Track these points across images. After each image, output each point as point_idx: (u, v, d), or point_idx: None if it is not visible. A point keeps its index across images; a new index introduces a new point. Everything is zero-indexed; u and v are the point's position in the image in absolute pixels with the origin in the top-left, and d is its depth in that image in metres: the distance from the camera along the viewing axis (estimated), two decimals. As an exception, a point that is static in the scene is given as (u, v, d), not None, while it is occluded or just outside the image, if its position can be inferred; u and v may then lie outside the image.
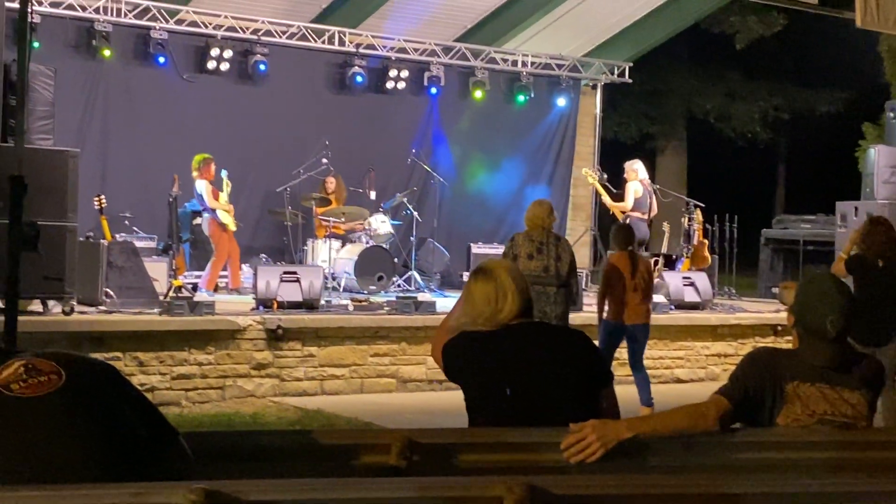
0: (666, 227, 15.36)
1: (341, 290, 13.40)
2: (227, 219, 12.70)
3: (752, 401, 3.54)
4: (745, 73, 23.96)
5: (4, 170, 8.32)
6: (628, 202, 13.50)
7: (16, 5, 11.02)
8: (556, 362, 3.74)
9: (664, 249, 14.71)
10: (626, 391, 9.10)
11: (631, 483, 2.93)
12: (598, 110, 17.51)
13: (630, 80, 17.27)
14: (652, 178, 23.74)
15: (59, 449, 2.54)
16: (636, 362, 9.33)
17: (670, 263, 14.41)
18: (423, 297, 11.24)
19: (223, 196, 12.89)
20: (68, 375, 2.63)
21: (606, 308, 9.09)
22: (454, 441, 3.34)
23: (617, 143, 22.08)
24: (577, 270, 8.76)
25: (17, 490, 2.44)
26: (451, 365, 3.89)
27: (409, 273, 14.32)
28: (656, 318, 10.52)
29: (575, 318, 9.45)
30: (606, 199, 13.94)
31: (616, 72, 17.08)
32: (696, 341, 12.36)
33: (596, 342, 8.76)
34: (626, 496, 2.83)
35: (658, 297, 12.06)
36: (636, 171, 13.76)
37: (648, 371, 9.67)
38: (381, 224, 14.08)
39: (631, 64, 17.07)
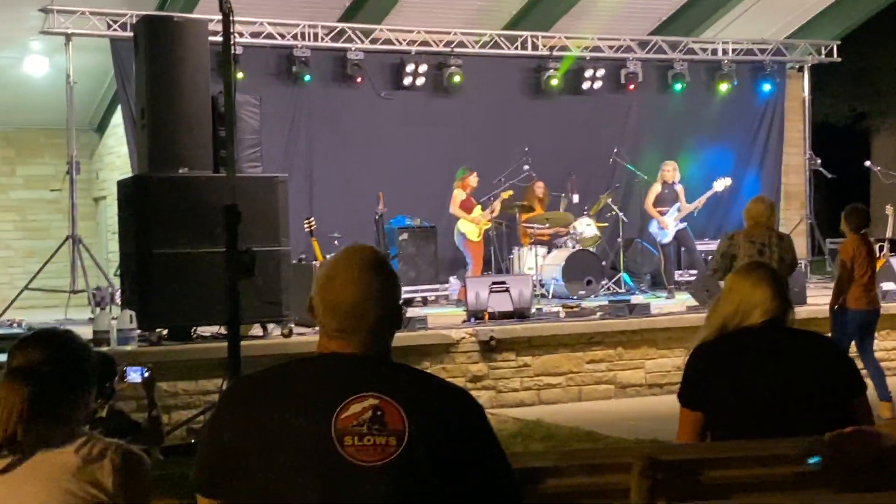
0: (890, 210, 14.53)
1: (550, 297, 13.24)
2: (467, 227, 12.94)
3: None
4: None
5: (218, 199, 8.55)
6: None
7: (219, 38, 11.41)
8: (807, 369, 3.45)
9: (889, 234, 13.90)
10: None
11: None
12: (806, 93, 16.74)
13: (839, 59, 16.45)
14: (868, 158, 22.79)
15: None
16: (869, 352, 8.79)
17: (894, 249, 13.58)
18: (637, 299, 10.94)
19: (478, 209, 13.01)
20: (413, 435, 2.28)
21: (849, 296, 8.58)
22: (698, 456, 3.10)
23: (828, 125, 21.10)
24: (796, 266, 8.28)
25: None
26: (689, 384, 3.62)
27: (619, 275, 14.03)
28: (886, 307, 9.92)
29: (800, 312, 8.95)
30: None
31: (823, 52, 16.30)
32: (933, 329, 11.57)
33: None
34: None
35: (887, 284, 11.38)
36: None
37: (883, 363, 9.12)
38: (587, 227, 13.84)
39: (839, 42, 16.26)
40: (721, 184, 13.65)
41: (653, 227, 13.74)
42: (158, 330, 9.14)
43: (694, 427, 3.57)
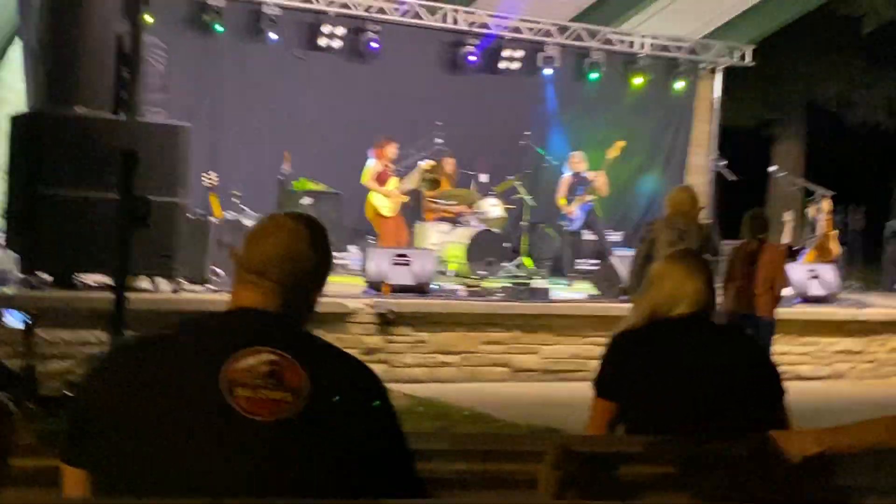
0: (788, 216, 14.68)
1: (450, 273, 13.08)
2: (379, 201, 12.39)
3: None
4: (869, 59, 22.90)
5: (116, 143, 8.16)
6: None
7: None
8: (731, 367, 3.32)
9: (786, 240, 14.03)
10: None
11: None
12: (717, 95, 16.84)
13: (753, 64, 16.57)
14: (768, 162, 23.12)
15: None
16: None
17: (792, 255, 13.72)
18: (538, 283, 10.83)
19: (393, 181, 12.68)
20: (312, 396, 2.13)
21: (726, 298, 8.58)
22: (613, 450, 2.93)
23: (733, 128, 21.29)
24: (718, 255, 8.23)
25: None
26: (607, 373, 3.46)
27: (520, 259, 13.93)
28: (780, 312, 9.95)
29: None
30: None
31: (737, 55, 16.39)
32: (822, 337, 11.73)
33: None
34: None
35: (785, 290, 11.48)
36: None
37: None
38: (493, 208, 13.71)
39: (754, 47, 16.37)
40: (615, 150, 13.63)
41: (562, 217, 13.68)
42: (41, 274, 8.70)
43: (605, 417, 3.41)
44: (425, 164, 13.21)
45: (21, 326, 5.45)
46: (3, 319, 5.45)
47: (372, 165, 12.73)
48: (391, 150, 12.86)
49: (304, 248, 2.31)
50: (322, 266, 2.36)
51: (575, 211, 13.44)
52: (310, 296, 2.35)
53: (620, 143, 13.73)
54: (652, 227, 8.17)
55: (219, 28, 13.12)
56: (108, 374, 2.20)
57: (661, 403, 3.30)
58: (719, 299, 8.50)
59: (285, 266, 2.28)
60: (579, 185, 13.50)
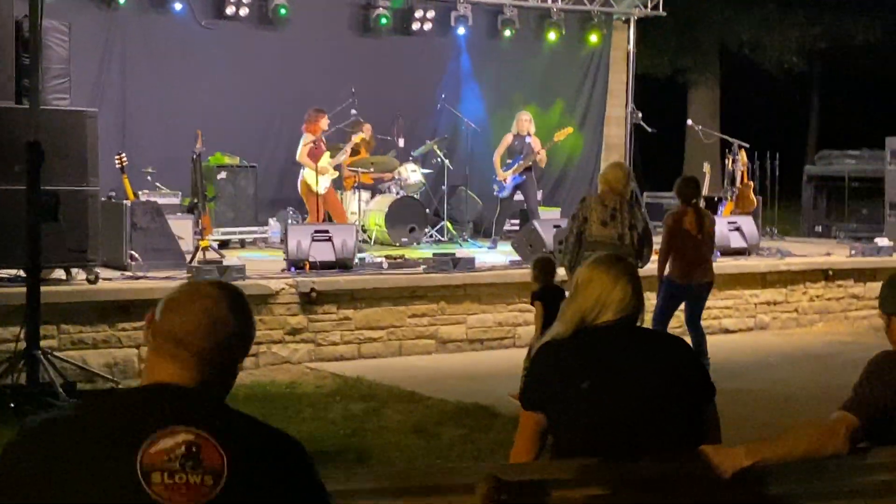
0: (706, 168, 14.82)
1: (372, 243, 12.99)
2: (312, 178, 12.19)
3: (882, 415, 3.08)
4: (780, 2, 23.07)
5: (20, 133, 7.89)
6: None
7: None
8: (658, 373, 3.28)
9: (705, 192, 14.15)
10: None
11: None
12: (631, 46, 16.82)
13: (664, 14, 16.58)
14: (685, 112, 23.25)
15: None
16: (695, 320, 8.88)
17: (712, 207, 13.85)
18: (461, 253, 10.77)
19: (326, 157, 12.39)
20: (231, 476, 2.02)
21: (669, 267, 8.62)
22: (544, 477, 2.89)
23: (648, 78, 21.37)
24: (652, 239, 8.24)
25: None
26: (534, 384, 3.40)
27: (442, 223, 13.88)
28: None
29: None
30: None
31: (649, 4, 16.38)
32: (745, 289, 11.87)
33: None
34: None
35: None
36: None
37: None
38: (412, 173, 13.61)
39: (665, -4, 16.36)
40: (562, 133, 13.49)
41: (495, 180, 13.51)
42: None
43: (535, 430, 3.35)
44: (357, 137, 12.99)
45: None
46: None
47: (305, 141, 12.43)
48: (323, 122, 12.53)
49: (226, 317, 2.19)
50: (246, 335, 2.25)
51: (508, 179, 13.30)
52: (232, 367, 2.24)
53: (568, 130, 13.59)
54: (584, 204, 8.12)
55: (121, 1, 12.73)
56: (14, 461, 2.07)
57: (590, 413, 3.25)
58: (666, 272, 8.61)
59: (207, 336, 2.16)
60: (519, 149, 13.29)
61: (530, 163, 13.21)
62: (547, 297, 7.71)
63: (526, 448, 3.35)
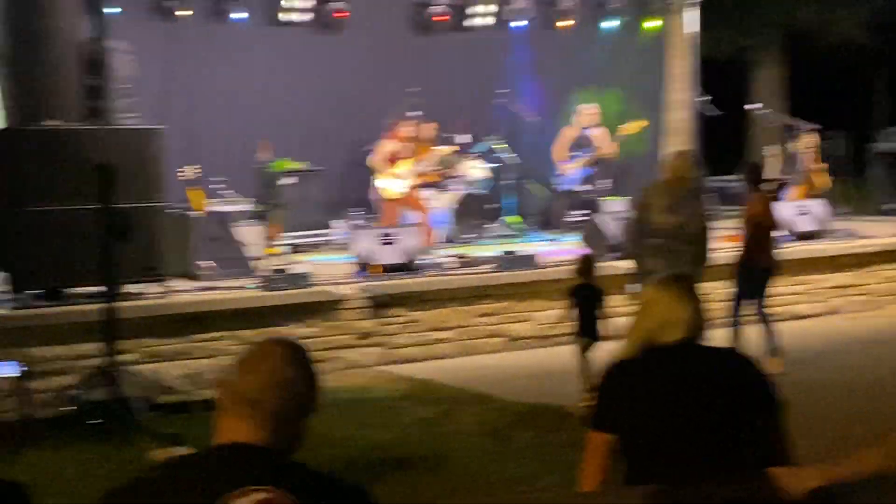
0: (773, 151, 14.66)
1: (438, 240, 13.05)
2: (382, 182, 12.32)
3: None
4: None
5: (91, 153, 8.09)
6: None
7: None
8: (723, 392, 3.30)
9: (772, 175, 14.00)
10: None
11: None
12: (693, 30, 16.67)
13: (724, -4, 16.43)
14: (749, 93, 22.93)
15: None
16: (762, 307, 8.86)
17: (779, 190, 13.71)
18: (527, 247, 10.80)
19: (403, 164, 12.50)
20: None
21: (742, 253, 8.62)
22: None
23: (710, 60, 21.12)
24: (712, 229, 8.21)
25: None
26: (603, 405, 3.44)
27: (506, 217, 13.90)
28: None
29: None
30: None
31: (711, -13, 16.23)
32: (816, 274, 11.74)
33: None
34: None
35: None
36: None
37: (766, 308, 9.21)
38: (476, 169, 13.65)
39: (725, -23, 16.21)
40: (636, 126, 13.43)
41: (557, 173, 13.51)
42: (29, 291, 8.65)
43: (604, 452, 3.39)
44: (446, 149, 13.07)
45: (16, 375, 5.39)
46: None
47: (383, 146, 12.53)
48: (404, 130, 12.64)
49: (293, 375, 2.27)
50: (312, 391, 2.33)
51: (573, 171, 13.27)
52: (301, 423, 2.31)
53: (642, 122, 13.50)
54: (646, 192, 8.10)
55: (182, 12, 12.91)
56: None
57: (659, 433, 3.29)
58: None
59: (275, 395, 2.24)
60: (581, 143, 13.26)
61: (600, 155, 13.17)
62: (580, 294, 7.99)
63: (595, 469, 3.40)
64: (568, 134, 13.37)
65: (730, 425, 3.29)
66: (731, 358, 3.53)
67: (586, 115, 13.30)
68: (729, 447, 3.25)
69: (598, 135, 13.21)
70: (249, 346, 2.38)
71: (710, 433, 3.27)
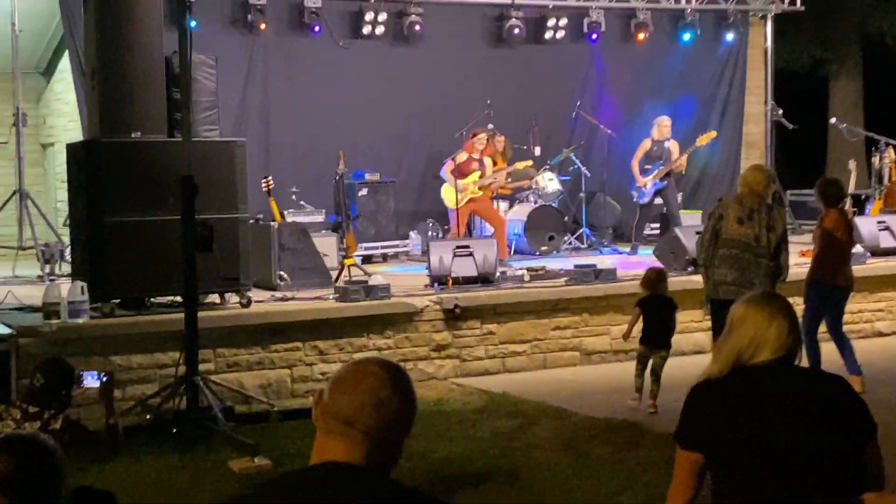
0: (853, 165, 14.46)
1: (512, 252, 13.06)
2: (446, 193, 12.60)
3: None
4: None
5: (173, 165, 8.22)
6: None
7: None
8: (817, 414, 3.25)
9: (851, 189, 13.82)
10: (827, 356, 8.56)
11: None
12: (769, 42, 16.53)
13: (802, 8, 16.23)
14: (826, 106, 22.62)
15: None
16: (838, 327, 8.71)
17: (859, 205, 13.53)
18: (601, 260, 10.74)
19: (474, 176, 12.69)
20: None
21: (818, 271, 8.49)
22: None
23: (787, 72, 20.89)
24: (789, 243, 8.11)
25: None
26: (691, 424, 3.40)
27: (581, 230, 13.87)
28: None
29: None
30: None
31: (787, 0, 16.06)
32: (897, 291, 11.54)
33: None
34: None
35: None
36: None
37: (847, 326, 9.06)
38: (549, 182, 13.63)
39: (803, -10, 16.03)
40: (706, 138, 13.34)
41: (633, 186, 13.46)
42: (111, 300, 8.80)
43: (692, 469, 3.36)
44: (520, 163, 13.17)
45: (99, 385, 5.50)
46: (84, 383, 5.50)
47: (456, 157, 12.65)
48: (477, 141, 12.74)
49: (390, 396, 2.28)
50: (409, 413, 2.33)
51: (648, 185, 13.23)
52: (398, 444, 2.32)
53: (711, 134, 13.44)
54: (721, 203, 8.05)
55: (262, 26, 13.09)
56: None
57: (748, 455, 3.25)
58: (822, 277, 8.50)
59: (373, 415, 2.25)
60: (658, 154, 13.22)
61: (670, 168, 13.09)
62: (649, 304, 8.34)
63: (684, 487, 3.37)
64: (644, 146, 13.31)
65: (824, 449, 3.24)
66: (826, 380, 3.47)
67: (663, 126, 13.23)
68: (823, 471, 3.21)
69: (673, 147, 13.14)
70: (346, 366, 2.39)
71: (804, 456, 3.22)
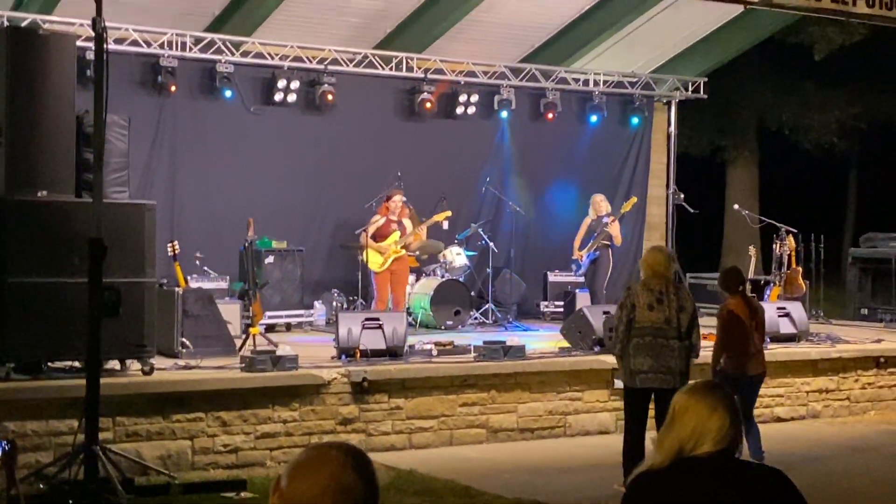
0: (752, 251, 14.77)
1: (417, 325, 12.99)
2: (370, 256, 12.68)
3: None
4: (820, 83, 23.09)
5: (81, 226, 7.98)
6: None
7: (83, 44, 10.74)
8: None
9: (751, 275, 14.09)
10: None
11: None
12: (672, 127, 16.92)
13: (705, 97, 16.68)
14: (724, 191, 23.24)
15: None
16: (748, 413, 8.79)
17: (758, 291, 13.79)
18: (512, 341, 10.74)
19: (394, 237, 12.71)
20: None
21: (724, 360, 8.58)
22: None
23: (687, 157, 21.42)
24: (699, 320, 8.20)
25: None
26: None
27: (486, 305, 13.89)
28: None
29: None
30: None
31: (690, 87, 16.49)
32: (796, 377, 11.72)
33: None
34: None
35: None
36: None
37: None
38: (457, 256, 13.66)
39: (706, 79, 16.46)
40: (628, 205, 13.66)
41: (573, 258, 13.67)
42: (8, 363, 8.46)
43: None
44: (439, 215, 13.18)
45: (1, 455, 5.23)
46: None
47: (372, 220, 12.74)
48: (394, 202, 12.84)
49: (353, 482, 2.17)
50: (373, 499, 2.22)
51: (583, 257, 13.38)
52: None
53: (633, 199, 13.69)
54: (630, 292, 8.12)
55: (173, 88, 12.92)
56: None
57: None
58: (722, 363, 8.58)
59: (338, 501, 2.14)
60: (595, 229, 13.41)
61: (605, 240, 13.26)
62: None
63: None
64: (585, 224, 13.52)
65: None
66: (765, 474, 3.45)
67: (598, 203, 13.47)
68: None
69: (612, 222, 13.33)
70: (304, 450, 2.27)
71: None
